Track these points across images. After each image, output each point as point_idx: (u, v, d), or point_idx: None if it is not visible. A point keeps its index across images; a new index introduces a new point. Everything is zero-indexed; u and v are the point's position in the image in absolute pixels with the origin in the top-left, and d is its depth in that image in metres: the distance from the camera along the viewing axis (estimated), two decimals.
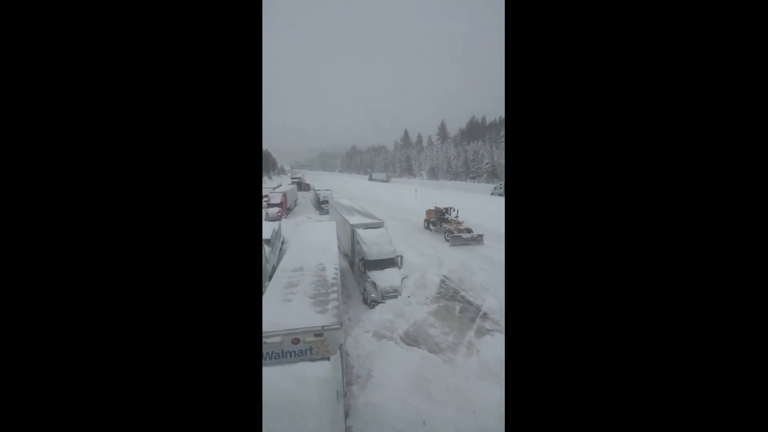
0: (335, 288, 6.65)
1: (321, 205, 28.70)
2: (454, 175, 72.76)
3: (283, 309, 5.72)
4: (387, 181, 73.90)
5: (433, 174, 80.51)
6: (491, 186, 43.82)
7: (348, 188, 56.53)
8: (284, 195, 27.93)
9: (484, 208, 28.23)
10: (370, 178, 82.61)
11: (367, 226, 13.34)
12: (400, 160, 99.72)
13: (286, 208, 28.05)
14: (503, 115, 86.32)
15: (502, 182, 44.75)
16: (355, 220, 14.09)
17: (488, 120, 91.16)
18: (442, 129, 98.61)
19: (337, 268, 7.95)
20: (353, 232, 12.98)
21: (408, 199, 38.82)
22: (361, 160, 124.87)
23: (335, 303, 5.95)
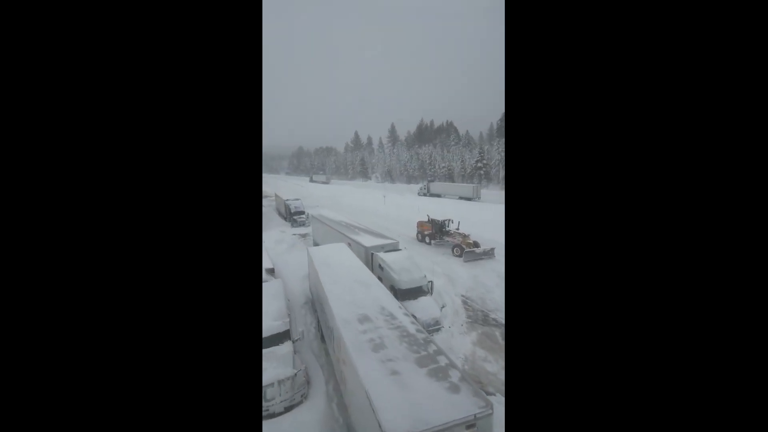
0: (434, 346, 5.64)
1: (294, 216, 26.46)
2: (410, 178, 73.59)
3: (399, 389, 4.58)
4: (327, 183, 79.43)
5: (389, 177, 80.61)
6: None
7: (301, 192, 53.86)
8: None
9: (445, 210, 28.42)
10: (311, 180, 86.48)
11: (385, 249, 12.28)
12: (352, 162, 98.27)
13: None
14: (450, 119, 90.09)
15: (426, 182, 52.19)
16: (366, 240, 12.88)
17: (436, 123, 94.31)
18: (393, 132, 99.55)
19: (407, 314, 6.90)
20: (372, 257, 11.83)
21: (376, 203, 38.01)
22: (311, 162, 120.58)
23: (457, 372, 4.97)
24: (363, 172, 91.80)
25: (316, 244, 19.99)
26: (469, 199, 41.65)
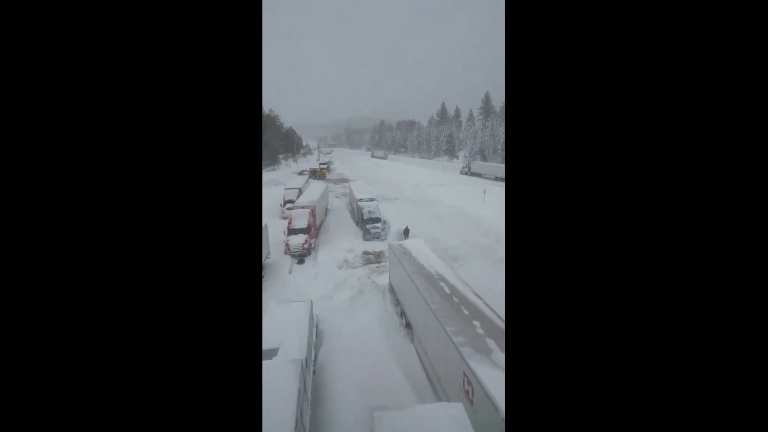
0: None
1: (366, 225, 19.82)
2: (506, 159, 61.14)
3: None
4: (385, 158, 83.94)
5: (482, 156, 69.01)
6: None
7: (375, 178, 47.44)
8: (312, 211, 19.17)
9: None
10: (372, 155, 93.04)
11: None
12: (437, 137, 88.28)
13: (314, 233, 19.28)
14: None
15: (468, 162, 54.30)
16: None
17: None
18: (487, 102, 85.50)
19: None
20: None
21: (474, 202, 29.40)
22: (392, 138, 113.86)
23: None
24: (450, 150, 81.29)
25: (392, 291, 13.10)
26: (503, 180, 42.32)
